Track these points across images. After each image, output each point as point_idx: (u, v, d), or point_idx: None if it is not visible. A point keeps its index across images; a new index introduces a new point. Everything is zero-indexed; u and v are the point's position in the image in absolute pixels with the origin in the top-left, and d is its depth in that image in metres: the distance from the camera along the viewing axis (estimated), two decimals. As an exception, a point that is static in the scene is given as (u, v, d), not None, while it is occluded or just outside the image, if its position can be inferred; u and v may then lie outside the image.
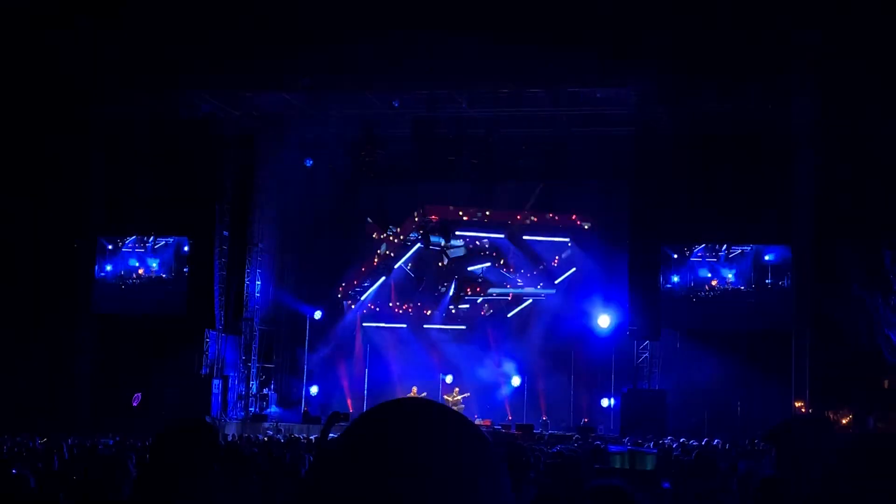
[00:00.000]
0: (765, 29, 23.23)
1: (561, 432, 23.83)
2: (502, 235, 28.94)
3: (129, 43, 25.27)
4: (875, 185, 23.17)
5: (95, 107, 26.50)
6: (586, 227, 28.31)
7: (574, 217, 28.38)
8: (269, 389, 28.20)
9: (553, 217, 28.58)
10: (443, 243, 28.77)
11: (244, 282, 27.15)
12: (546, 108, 25.71)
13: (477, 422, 26.17)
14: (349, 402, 28.30)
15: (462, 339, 28.55)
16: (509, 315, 28.73)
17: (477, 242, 29.17)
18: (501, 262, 29.18)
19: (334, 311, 29.25)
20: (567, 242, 28.53)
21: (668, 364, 25.21)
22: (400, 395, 27.80)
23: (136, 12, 24.79)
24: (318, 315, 28.78)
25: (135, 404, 24.72)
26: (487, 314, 28.94)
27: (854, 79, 23.34)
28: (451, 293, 28.83)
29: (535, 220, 28.62)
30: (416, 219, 28.98)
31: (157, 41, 24.97)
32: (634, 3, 23.44)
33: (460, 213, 28.89)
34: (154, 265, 27.25)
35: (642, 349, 25.30)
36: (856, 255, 23.68)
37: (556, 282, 28.49)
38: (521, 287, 28.89)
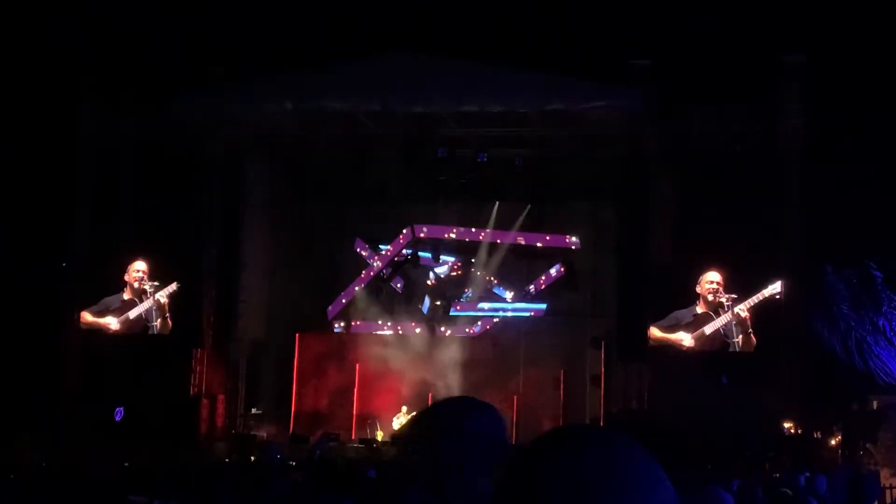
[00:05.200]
0: (753, 50, 23.38)
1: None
2: (491, 256, 28.92)
3: (114, 63, 25.31)
4: (865, 206, 23.25)
5: (79, 127, 26.45)
6: (575, 248, 28.33)
7: (563, 237, 28.39)
8: (257, 409, 28.04)
9: (544, 237, 28.56)
10: (432, 262, 28.84)
11: (232, 301, 27.03)
12: (534, 129, 25.77)
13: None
14: (338, 420, 28.17)
15: (452, 357, 28.47)
16: (497, 333, 28.65)
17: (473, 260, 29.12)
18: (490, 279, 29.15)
19: (323, 331, 29.15)
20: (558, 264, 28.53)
21: (658, 385, 25.16)
22: (390, 414, 27.73)
23: (121, 31, 24.83)
24: (306, 335, 28.68)
25: (118, 419, 24.54)
26: (478, 332, 28.86)
27: (842, 99, 23.47)
28: (426, 305, 28.79)
29: (530, 237, 28.57)
30: (406, 239, 28.96)
31: (144, 60, 25.02)
32: (622, 24, 23.57)
33: (450, 231, 28.86)
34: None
35: (632, 370, 25.28)
36: (845, 275, 23.74)
37: (545, 303, 28.47)
38: (509, 306, 28.86)
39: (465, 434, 2.48)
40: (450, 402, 2.70)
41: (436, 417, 2.57)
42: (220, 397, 26.85)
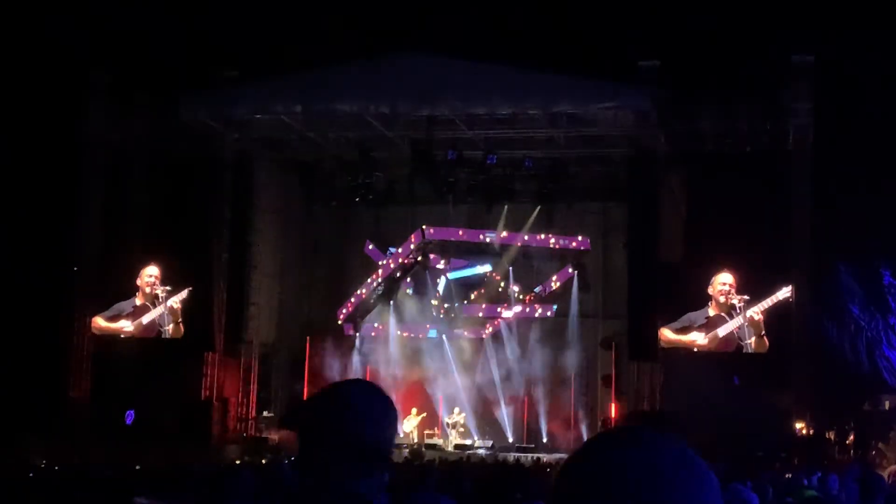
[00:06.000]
0: (762, 50, 23.35)
1: (561, 455, 23.76)
2: (501, 258, 28.94)
3: (122, 65, 25.37)
4: (873, 206, 23.18)
5: (86, 129, 26.53)
6: (585, 248, 28.33)
7: (573, 239, 28.39)
8: (269, 413, 28.09)
9: (553, 239, 28.56)
10: (442, 265, 28.87)
11: (243, 305, 27.07)
12: (543, 130, 25.75)
13: (477, 444, 26.20)
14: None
15: (463, 359, 28.51)
16: (510, 335, 28.66)
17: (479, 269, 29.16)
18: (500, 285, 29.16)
19: (334, 334, 29.18)
20: (568, 266, 28.56)
21: (669, 386, 25.12)
22: (400, 416, 27.73)
23: (130, 32, 24.90)
24: (317, 337, 28.71)
25: (128, 422, 24.59)
26: (488, 334, 28.87)
27: (851, 98, 23.41)
28: (437, 307, 28.86)
29: (540, 238, 28.57)
30: (415, 241, 28.97)
31: (153, 63, 25.09)
32: (631, 25, 23.55)
33: (460, 233, 28.89)
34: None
35: (643, 370, 25.24)
36: (855, 275, 23.67)
37: (555, 304, 28.50)
38: (521, 306, 28.87)
39: (324, 416, 2.44)
40: (336, 384, 2.72)
41: (309, 399, 2.60)
42: (232, 400, 26.90)
